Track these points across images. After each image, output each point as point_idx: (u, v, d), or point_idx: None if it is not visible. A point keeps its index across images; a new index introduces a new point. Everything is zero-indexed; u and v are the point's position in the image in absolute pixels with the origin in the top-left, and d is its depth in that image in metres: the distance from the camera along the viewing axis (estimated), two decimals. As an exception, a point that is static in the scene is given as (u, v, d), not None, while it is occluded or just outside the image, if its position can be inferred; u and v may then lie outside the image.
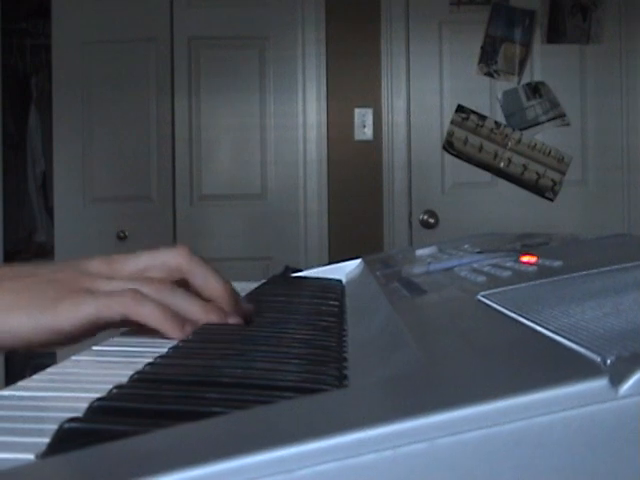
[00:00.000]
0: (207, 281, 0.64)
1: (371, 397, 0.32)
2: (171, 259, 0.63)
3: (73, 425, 0.32)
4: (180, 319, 0.58)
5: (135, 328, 0.62)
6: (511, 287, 0.51)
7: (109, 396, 0.39)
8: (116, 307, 0.57)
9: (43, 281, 0.59)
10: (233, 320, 0.62)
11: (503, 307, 0.44)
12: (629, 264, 0.51)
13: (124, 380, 0.43)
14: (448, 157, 3.25)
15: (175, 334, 0.58)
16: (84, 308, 0.56)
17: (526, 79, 3.25)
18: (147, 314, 0.57)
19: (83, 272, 0.61)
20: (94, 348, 0.58)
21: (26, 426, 0.36)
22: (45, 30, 3.58)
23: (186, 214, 3.24)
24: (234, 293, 0.65)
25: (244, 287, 0.97)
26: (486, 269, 0.65)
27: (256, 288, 1.00)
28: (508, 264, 0.65)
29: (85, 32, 3.23)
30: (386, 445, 0.24)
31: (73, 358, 0.54)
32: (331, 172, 3.23)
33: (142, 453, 0.27)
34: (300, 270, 1.21)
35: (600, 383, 0.25)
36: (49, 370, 0.51)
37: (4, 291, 0.57)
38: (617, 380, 0.25)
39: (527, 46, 3.24)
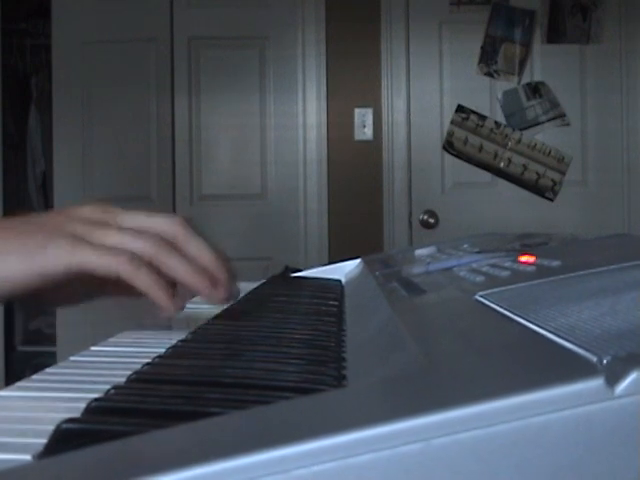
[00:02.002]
0: (200, 252, 0.63)
1: (369, 397, 0.32)
2: (166, 226, 0.62)
3: (70, 425, 0.32)
4: (171, 290, 0.58)
5: (119, 294, 0.61)
6: (509, 287, 0.51)
7: (107, 396, 0.39)
8: (113, 265, 0.56)
9: (32, 228, 0.58)
10: (220, 291, 0.62)
11: (501, 307, 0.44)
12: (627, 264, 0.51)
13: (122, 380, 0.43)
14: (448, 157, 3.24)
15: (164, 304, 0.57)
16: (76, 255, 0.56)
17: (526, 79, 3.25)
18: (141, 279, 0.57)
19: (75, 217, 0.60)
20: (93, 348, 0.58)
21: (24, 427, 0.36)
22: (45, 30, 3.58)
23: (186, 214, 3.23)
24: (226, 265, 0.64)
25: (244, 287, 0.97)
26: (485, 269, 0.65)
27: (256, 288, 1.01)
28: (507, 264, 0.65)
29: (85, 32, 3.23)
30: (383, 445, 0.24)
31: (72, 358, 0.55)
32: (331, 172, 3.22)
33: (140, 453, 0.27)
34: (300, 270, 1.21)
35: (596, 383, 0.25)
36: (48, 370, 0.51)
37: None
38: (613, 380, 0.25)
39: (527, 46, 3.24)
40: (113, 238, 0.58)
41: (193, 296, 0.70)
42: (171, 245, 0.60)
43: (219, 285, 0.62)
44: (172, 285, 0.59)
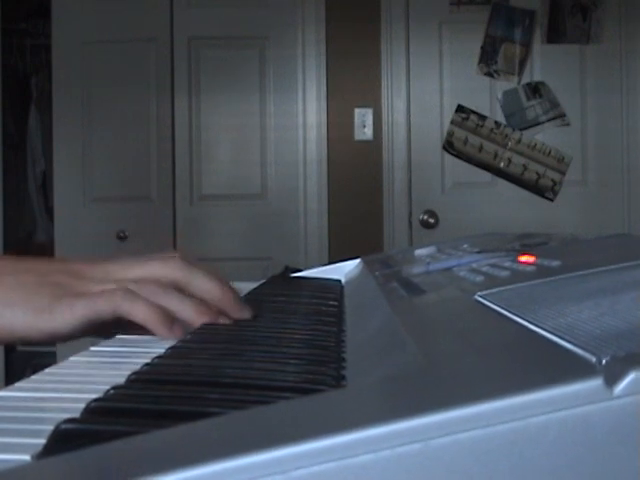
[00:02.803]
0: (205, 288, 0.64)
1: (368, 397, 0.32)
2: (165, 272, 0.64)
3: (69, 426, 0.32)
4: (170, 319, 0.59)
5: (130, 329, 0.62)
6: (509, 287, 0.51)
7: (106, 397, 0.39)
8: (107, 304, 0.58)
9: (40, 282, 0.59)
10: (224, 321, 0.63)
11: (500, 307, 0.44)
12: (627, 264, 0.51)
13: (122, 381, 0.43)
14: (448, 157, 3.24)
15: (164, 333, 0.58)
16: (77, 310, 0.58)
17: (526, 79, 3.25)
18: (138, 311, 0.58)
19: (78, 277, 0.62)
20: (92, 349, 0.58)
21: (23, 427, 0.36)
22: (45, 30, 3.58)
23: (186, 214, 3.24)
24: (234, 294, 0.65)
25: (244, 287, 0.97)
26: (484, 269, 0.65)
27: (256, 288, 1.00)
28: (506, 264, 0.65)
29: (85, 32, 3.23)
30: (382, 445, 0.24)
31: (71, 359, 0.55)
32: (331, 172, 3.22)
33: (138, 453, 0.27)
34: (300, 270, 1.21)
35: (595, 383, 0.25)
36: (47, 371, 0.51)
37: (1, 285, 0.58)
38: (612, 380, 0.25)
39: (527, 46, 3.24)
40: (111, 286, 0.60)
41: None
42: (170, 287, 0.61)
43: (221, 319, 0.63)
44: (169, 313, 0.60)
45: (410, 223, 3.23)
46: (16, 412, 0.39)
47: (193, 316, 0.61)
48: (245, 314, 0.65)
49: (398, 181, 3.22)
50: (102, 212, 3.24)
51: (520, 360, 0.33)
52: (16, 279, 0.59)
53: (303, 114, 3.23)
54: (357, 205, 3.23)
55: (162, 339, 0.59)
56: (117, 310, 0.58)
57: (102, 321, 0.59)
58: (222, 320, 0.63)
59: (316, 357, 0.49)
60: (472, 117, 3.24)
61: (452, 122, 3.24)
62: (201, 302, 0.63)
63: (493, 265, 0.66)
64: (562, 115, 3.24)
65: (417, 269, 0.78)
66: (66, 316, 0.57)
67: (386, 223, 3.22)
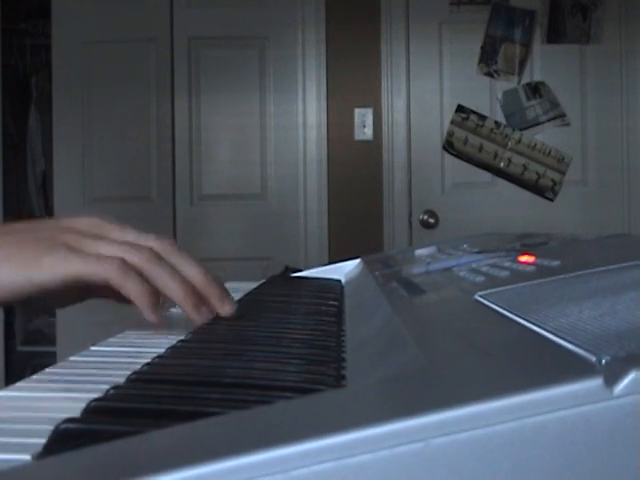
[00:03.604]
0: (189, 269, 0.63)
1: (368, 397, 0.32)
2: (156, 243, 0.64)
3: (69, 426, 0.32)
4: (157, 303, 0.59)
5: (112, 297, 0.63)
6: (509, 287, 0.51)
7: (106, 396, 0.39)
8: (102, 272, 0.58)
9: (29, 238, 0.60)
10: (204, 312, 0.62)
11: (500, 307, 0.44)
12: (627, 264, 0.51)
13: (122, 380, 0.43)
14: (448, 157, 3.24)
15: (148, 314, 0.59)
16: (69, 265, 0.57)
17: (526, 79, 3.25)
18: (130, 287, 0.58)
19: (69, 229, 0.62)
20: (92, 348, 0.59)
21: (23, 427, 0.36)
22: (45, 30, 3.58)
23: (186, 214, 3.24)
24: (219, 284, 0.65)
25: (244, 287, 0.97)
26: (484, 269, 0.65)
27: (256, 288, 1.00)
28: (506, 264, 0.65)
29: (85, 32, 3.23)
30: (382, 445, 0.24)
31: (71, 358, 0.55)
32: (331, 172, 3.22)
33: (139, 453, 0.27)
34: (300, 270, 1.21)
35: (595, 383, 0.25)
36: (47, 370, 0.51)
37: None
38: (612, 380, 0.25)
39: (527, 46, 3.24)
40: (105, 248, 0.60)
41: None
42: (161, 258, 0.61)
43: (204, 305, 0.63)
44: (158, 294, 0.60)
45: (410, 223, 3.23)
46: (16, 412, 0.39)
47: (178, 294, 0.61)
48: (227, 309, 0.64)
49: (398, 181, 3.22)
50: (102, 212, 3.23)
51: (520, 360, 0.33)
52: (3, 240, 0.59)
53: (303, 114, 3.23)
54: (357, 205, 3.23)
55: (148, 325, 0.60)
56: (110, 279, 0.58)
57: (91, 283, 0.59)
58: (203, 309, 0.62)
59: (316, 357, 0.49)
60: (472, 117, 3.24)
61: (452, 122, 3.24)
62: (189, 282, 0.62)
63: (493, 265, 0.66)
64: (562, 115, 3.24)
65: (417, 269, 0.78)
66: (55, 268, 0.57)
67: (386, 223, 3.22)
